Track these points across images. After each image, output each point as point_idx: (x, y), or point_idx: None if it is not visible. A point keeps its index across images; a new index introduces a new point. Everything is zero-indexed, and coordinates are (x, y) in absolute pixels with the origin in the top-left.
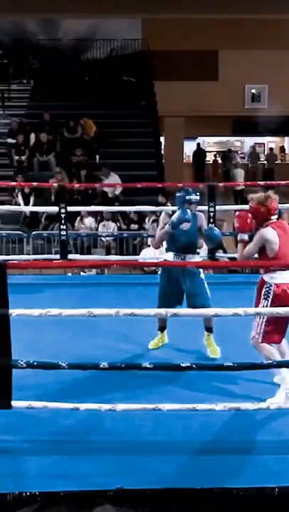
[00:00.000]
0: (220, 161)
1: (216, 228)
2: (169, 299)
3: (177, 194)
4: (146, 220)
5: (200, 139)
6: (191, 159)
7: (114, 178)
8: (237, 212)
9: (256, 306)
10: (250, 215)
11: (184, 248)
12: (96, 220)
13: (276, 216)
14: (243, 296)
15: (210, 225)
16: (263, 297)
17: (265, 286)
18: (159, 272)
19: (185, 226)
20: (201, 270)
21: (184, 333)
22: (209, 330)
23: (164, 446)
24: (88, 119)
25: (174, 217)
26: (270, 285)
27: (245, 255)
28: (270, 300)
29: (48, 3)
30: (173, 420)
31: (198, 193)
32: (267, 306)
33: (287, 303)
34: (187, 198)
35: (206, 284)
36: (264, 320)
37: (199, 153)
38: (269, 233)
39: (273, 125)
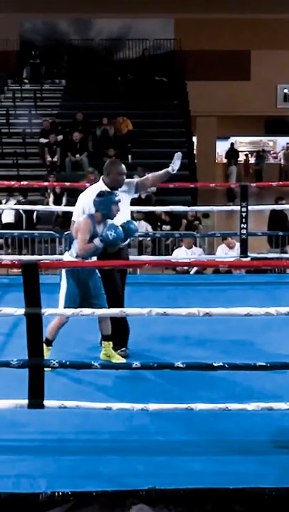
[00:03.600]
0: (251, 161)
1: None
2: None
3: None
4: None
5: (233, 139)
6: (223, 159)
7: None
8: None
9: None
10: None
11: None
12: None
13: None
14: (273, 296)
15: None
16: None
17: None
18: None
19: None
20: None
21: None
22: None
23: (196, 445)
24: (122, 119)
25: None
26: None
27: None
28: None
29: (80, 3)
30: (205, 420)
31: None
32: None
33: None
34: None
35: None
36: None
37: (232, 153)
38: None
39: None
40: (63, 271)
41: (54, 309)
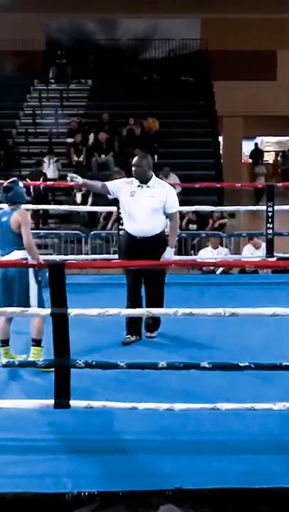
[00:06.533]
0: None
1: None
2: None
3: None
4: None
5: (258, 139)
6: (249, 159)
7: (173, 178)
8: None
9: None
10: None
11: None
12: None
13: None
14: None
15: None
16: None
17: None
18: None
19: None
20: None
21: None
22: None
23: (222, 445)
24: (152, 119)
25: None
26: None
27: None
28: None
29: (107, 3)
30: (230, 419)
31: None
32: None
33: None
34: None
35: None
36: None
37: (257, 153)
38: None
39: None
40: (30, 271)
41: (81, 309)
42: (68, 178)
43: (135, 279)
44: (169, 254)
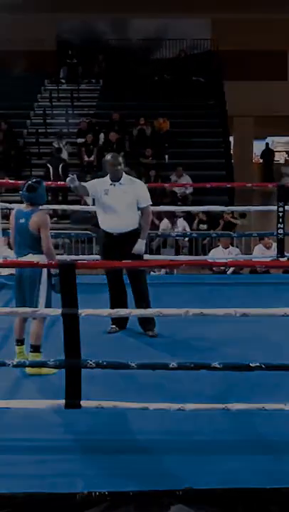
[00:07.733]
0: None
1: None
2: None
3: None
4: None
5: (269, 139)
6: (259, 159)
7: (186, 179)
8: None
9: None
10: None
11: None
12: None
13: None
14: None
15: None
16: None
17: None
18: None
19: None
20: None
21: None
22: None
23: (232, 445)
24: (162, 119)
25: None
26: None
27: None
28: None
29: (118, 3)
30: (241, 420)
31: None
32: None
33: None
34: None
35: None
36: None
37: (268, 153)
38: None
39: None
40: (44, 274)
41: (91, 310)
42: (67, 180)
43: (115, 278)
44: (140, 246)
